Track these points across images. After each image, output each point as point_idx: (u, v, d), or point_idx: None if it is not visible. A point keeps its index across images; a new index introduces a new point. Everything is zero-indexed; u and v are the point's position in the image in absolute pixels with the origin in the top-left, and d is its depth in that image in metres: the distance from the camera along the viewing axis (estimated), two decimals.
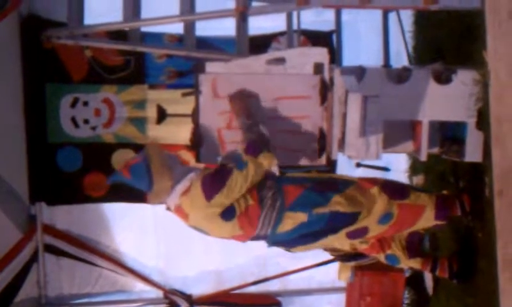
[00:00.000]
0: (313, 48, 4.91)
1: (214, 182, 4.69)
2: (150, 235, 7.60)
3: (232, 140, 5.05)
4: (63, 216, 7.50)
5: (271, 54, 5.04)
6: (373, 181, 5.13)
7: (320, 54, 4.91)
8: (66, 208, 7.49)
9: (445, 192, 5.46)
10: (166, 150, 5.11)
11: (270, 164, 4.78)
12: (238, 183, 4.66)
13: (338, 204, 4.88)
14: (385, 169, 7.30)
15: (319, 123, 5.05)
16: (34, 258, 7.27)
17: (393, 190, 5.08)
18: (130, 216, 7.57)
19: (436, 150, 5.53)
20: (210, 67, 5.06)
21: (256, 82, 5.04)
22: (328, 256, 6.87)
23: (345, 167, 7.24)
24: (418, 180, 7.29)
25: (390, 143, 5.41)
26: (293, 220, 4.83)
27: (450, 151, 5.37)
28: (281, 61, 4.95)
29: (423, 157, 5.31)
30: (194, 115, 5.16)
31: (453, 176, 5.93)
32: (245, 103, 5.03)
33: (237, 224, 4.77)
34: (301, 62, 4.91)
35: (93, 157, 7.38)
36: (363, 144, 5.01)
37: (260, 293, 7.66)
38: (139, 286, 7.78)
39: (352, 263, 6.56)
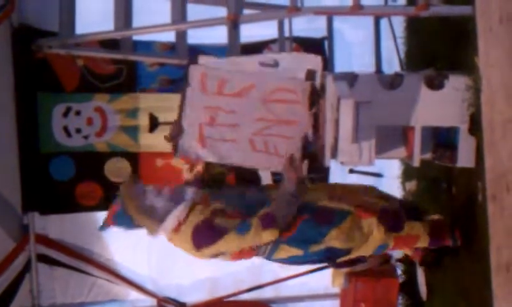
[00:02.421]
0: (307, 55, 4.87)
1: (205, 237, 4.67)
2: (143, 244, 7.57)
3: (213, 137, 4.98)
4: (56, 225, 7.49)
5: (265, 56, 4.99)
6: (371, 210, 5.10)
7: (314, 61, 4.89)
8: (59, 218, 7.48)
9: (437, 217, 5.45)
10: (139, 184, 5.01)
11: (269, 241, 4.75)
12: (231, 245, 4.66)
13: (334, 239, 4.89)
14: (378, 175, 7.31)
15: (305, 129, 5.03)
16: (27, 267, 7.25)
17: (391, 222, 5.08)
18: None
19: (428, 156, 5.54)
20: (203, 59, 5.02)
21: (246, 80, 4.98)
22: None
23: (339, 174, 7.26)
24: (411, 185, 7.29)
25: (382, 149, 5.41)
26: (288, 252, 4.85)
27: (443, 156, 5.38)
28: (274, 63, 4.92)
29: (416, 163, 5.32)
30: (180, 106, 5.06)
31: (446, 181, 5.94)
32: (301, 176, 4.96)
33: (230, 259, 4.80)
34: (294, 67, 4.87)
35: (86, 166, 7.38)
36: (356, 150, 5.01)
37: (254, 300, 7.65)
38: (133, 295, 7.76)
39: (346, 270, 6.57)
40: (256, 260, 7.45)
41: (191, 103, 5.00)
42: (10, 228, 6.96)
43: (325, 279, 7.11)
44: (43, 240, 7.38)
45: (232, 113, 4.95)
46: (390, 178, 7.61)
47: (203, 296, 7.66)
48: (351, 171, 7.20)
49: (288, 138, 5.02)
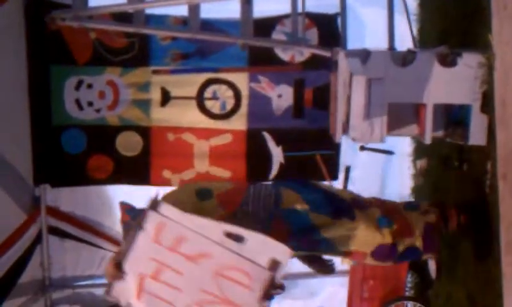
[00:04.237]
0: (277, 244, 4.48)
1: None
2: None
3: (152, 292, 4.36)
4: (67, 198, 7.52)
5: (232, 227, 4.54)
6: (361, 255, 5.04)
7: (282, 253, 4.32)
8: (70, 190, 7.52)
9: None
10: None
11: None
12: None
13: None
14: (389, 152, 7.31)
15: None
16: (38, 239, 7.28)
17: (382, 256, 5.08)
18: (134, 198, 7.55)
19: (440, 133, 5.52)
20: (165, 210, 4.44)
21: (205, 247, 4.39)
22: None
23: (350, 152, 7.27)
24: (422, 163, 7.29)
25: (394, 126, 5.40)
26: None
27: (455, 134, 5.36)
28: (239, 238, 4.35)
29: (427, 140, 5.30)
30: (125, 244, 4.50)
31: (457, 159, 5.93)
32: None
33: None
34: (259, 251, 4.32)
35: (97, 139, 7.40)
36: (367, 127, 5.01)
37: None
38: None
39: None
40: None
41: (138, 249, 4.41)
42: (22, 200, 6.98)
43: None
44: (54, 212, 7.42)
45: (179, 275, 4.38)
46: (401, 155, 7.60)
47: None
48: (362, 148, 7.20)
49: None
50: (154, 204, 4.46)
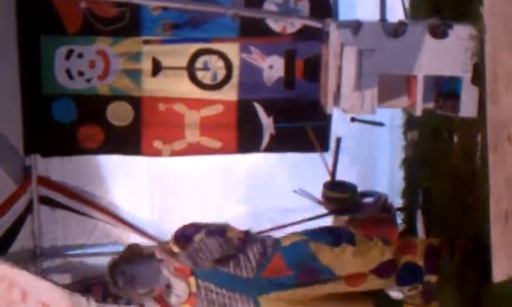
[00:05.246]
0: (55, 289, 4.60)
1: None
2: (145, 188, 7.62)
3: None
4: (58, 168, 7.52)
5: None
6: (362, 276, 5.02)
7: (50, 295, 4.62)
8: (61, 160, 7.51)
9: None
10: None
11: None
12: None
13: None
14: (380, 124, 7.31)
15: None
16: (29, 209, 7.29)
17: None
18: (124, 168, 7.59)
19: (431, 105, 5.53)
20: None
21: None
22: (322, 210, 6.91)
23: (340, 123, 7.27)
24: (413, 135, 7.30)
25: (385, 98, 5.40)
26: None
27: (445, 106, 5.36)
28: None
29: (418, 112, 5.30)
30: None
31: (447, 131, 5.94)
32: None
33: None
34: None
35: (88, 108, 7.39)
36: (358, 98, 5.01)
37: None
38: (134, 238, 7.80)
39: (346, 217, 6.60)
40: (256, 205, 7.56)
41: None
42: (12, 169, 6.99)
43: None
44: (45, 182, 7.42)
45: None
46: (392, 127, 7.61)
47: None
48: (353, 120, 7.20)
49: None
50: None
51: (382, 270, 4.88)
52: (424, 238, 5.21)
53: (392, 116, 7.48)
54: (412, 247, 5.02)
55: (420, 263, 4.90)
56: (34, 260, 7.49)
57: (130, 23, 7.23)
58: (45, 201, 7.46)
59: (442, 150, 6.11)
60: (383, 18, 5.84)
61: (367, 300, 4.86)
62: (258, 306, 4.60)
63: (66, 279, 7.66)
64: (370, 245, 4.88)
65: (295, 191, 7.08)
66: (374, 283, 4.90)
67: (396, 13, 6.09)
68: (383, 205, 6.84)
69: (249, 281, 4.62)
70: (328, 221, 6.96)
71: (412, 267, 4.95)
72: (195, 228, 4.93)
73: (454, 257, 5.02)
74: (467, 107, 5.15)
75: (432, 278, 4.85)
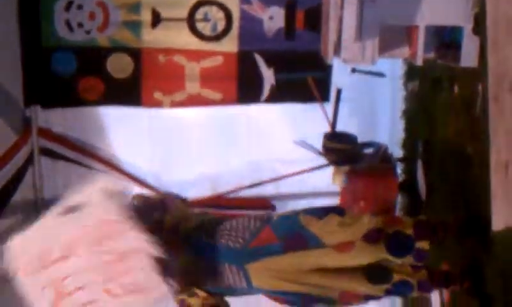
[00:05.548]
0: None
1: None
2: (145, 139, 7.63)
3: None
4: (59, 120, 7.51)
5: None
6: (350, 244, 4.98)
7: None
8: (61, 112, 7.49)
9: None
10: None
11: None
12: None
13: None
14: (380, 74, 7.31)
15: None
16: (29, 160, 7.29)
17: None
18: (125, 120, 7.59)
19: (431, 55, 5.52)
20: None
21: None
22: (323, 160, 6.93)
23: (341, 74, 7.27)
24: (413, 86, 7.30)
25: (386, 48, 5.39)
26: None
27: (446, 55, 5.36)
28: None
29: (419, 62, 5.30)
30: None
31: (448, 81, 5.94)
32: None
33: None
34: None
35: (88, 60, 7.36)
36: (359, 48, 5.01)
37: (254, 196, 7.73)
38: (135, 189, 7.83)
39: (347, 167, 6.63)
40: (257, 156, 7.58)
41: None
42: (12, 121, 6.97)
43: (326, 177, 7.19)
44: (46, 133, 7.41)
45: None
46: (393, 78, 7.61)
47: (205, 192, 7.72)
48: (353, 70, 7.19)
49: None
50: None
51: (369, 237, 4.85)
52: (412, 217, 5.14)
53: (393, 66, 7.48)
54: (400, 221, 4.98)
55: (409, 231, 4.86)
56: (35, 211, 7.51)
57: None
58: (46, 152, 7.46)
59: (442, 101, 6.12)
60: None
61: (357, 271, 4.84)
62: (246, 274, 4.59)
63: None
64: (359, 217, 4.85)
65: (295, 142, 7.11)
66: (363, 251, 4.85)
67: None
68: (383, 155, 6.88)
69: (237, 251, 4.61)
70: (328, 175, 7.01)
71: (402, 235, 4.90)
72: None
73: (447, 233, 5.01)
74: (468, 57, 5.14)
75: (424, 245, 4.82)
